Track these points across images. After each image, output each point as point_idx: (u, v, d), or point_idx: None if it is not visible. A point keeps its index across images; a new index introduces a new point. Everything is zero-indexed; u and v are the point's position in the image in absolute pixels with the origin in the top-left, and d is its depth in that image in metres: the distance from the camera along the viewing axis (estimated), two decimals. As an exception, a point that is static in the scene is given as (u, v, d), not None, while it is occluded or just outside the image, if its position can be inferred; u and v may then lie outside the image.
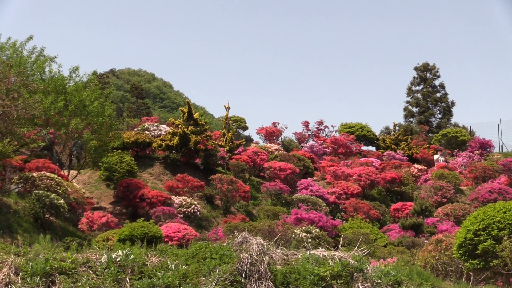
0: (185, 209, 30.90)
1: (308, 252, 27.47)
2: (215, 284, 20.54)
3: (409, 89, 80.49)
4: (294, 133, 61.81)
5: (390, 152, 51.23)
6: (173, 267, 21.22)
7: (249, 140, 65.42)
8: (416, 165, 45.04)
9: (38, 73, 35.18)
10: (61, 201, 27.38)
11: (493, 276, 20.53)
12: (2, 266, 19.31)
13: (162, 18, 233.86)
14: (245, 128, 69.91)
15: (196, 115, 40.82)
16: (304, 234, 29.09)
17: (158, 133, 43.27)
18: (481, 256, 20.83)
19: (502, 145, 57.41)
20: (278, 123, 61.02)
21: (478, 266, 20.47)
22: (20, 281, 18.40)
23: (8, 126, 29.45)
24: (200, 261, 23.70)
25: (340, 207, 35.37)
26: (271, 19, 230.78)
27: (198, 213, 31.36)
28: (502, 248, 20.28)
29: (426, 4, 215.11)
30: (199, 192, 34.79)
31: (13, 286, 18.01)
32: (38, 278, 17.83)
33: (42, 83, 33.47)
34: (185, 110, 40.73)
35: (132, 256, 21.65)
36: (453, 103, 78.52)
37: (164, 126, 45.03)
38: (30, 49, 35.08)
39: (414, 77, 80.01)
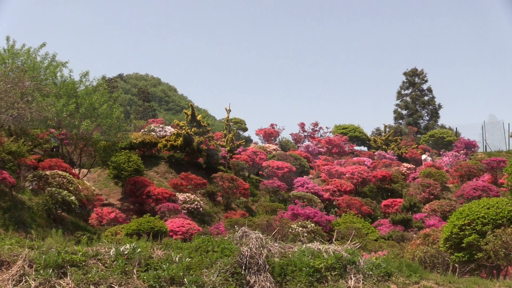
0: (188, 205, 30.87)
1: (304, 246, 27.51)
2: (217, 276, 20.57)
3: (399, 92, 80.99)
4: (291, 134, 61.85)
5: (381, 152, 51.27)
6: (177, 260, 21.25)
7: (248, 140, 65.41)
8: (405, 164, 45.05)
9: (51, 78, 35.18)
10: (72, 197, 27.40)
11: (477, 268, 20.53)
12: (17, 258, 19.34)
13: (168, 27, 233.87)
14: (245, 130, 69.87)
15: (199, 117, 40.83)
16: (300, 228, 29.07)
17: (163, 134, 43.26)
18: (466, 250, 20.84)
19: (486, 145, 57.43)
20: (276, 125, 60.99)
21: (464, 259, 20.50)
22: (33, 273, 18.41)
23: (23, 128, 29.49)
24: (203, 254, 23.74)
25: (334, 203, 35.34)
26: (269, 30, 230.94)
27: (201, 209, 31.33)
28: (486, 242, 20.31)
29: (414, 14, 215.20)
30: (201, 189, 34.78)
31: (27, 277, 18.02)
32: (51, 270, 17.85)
33: (54, 87, 33.48)
34: (189, 113, 40.73)
35: (139, 250, 21.67)
36: (440, 106, 78.92)
37: (169, 127, 45.01)
38: (43, 55, 35.06)
39: (403, 82, 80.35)
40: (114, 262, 20.68)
